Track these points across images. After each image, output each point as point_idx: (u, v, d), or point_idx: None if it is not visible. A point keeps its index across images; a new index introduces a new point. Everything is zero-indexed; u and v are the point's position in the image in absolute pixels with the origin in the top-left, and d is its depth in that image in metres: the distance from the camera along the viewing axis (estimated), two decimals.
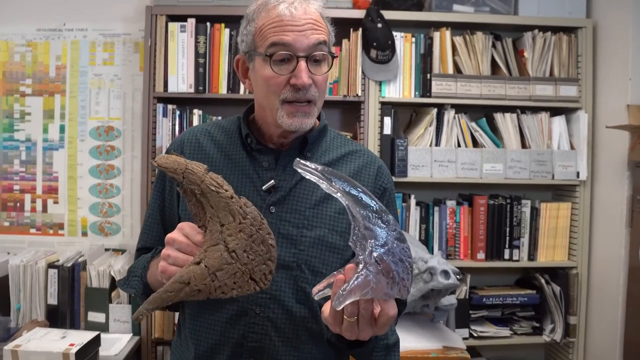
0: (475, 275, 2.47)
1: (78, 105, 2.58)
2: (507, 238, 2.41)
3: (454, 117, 2.42)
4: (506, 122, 2.44)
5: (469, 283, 2.40)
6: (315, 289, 0.84)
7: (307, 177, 0.80)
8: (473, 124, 2.45)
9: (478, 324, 2.41)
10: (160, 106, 2.35)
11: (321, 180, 0.80)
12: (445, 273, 1.72)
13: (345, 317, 0.82)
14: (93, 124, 2.58)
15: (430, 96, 2.39)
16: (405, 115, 2.61)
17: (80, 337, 1.90)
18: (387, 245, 0.79)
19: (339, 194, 0.80)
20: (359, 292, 0.77)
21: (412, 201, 2.43)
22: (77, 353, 1.79)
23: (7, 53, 2.58)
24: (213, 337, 1.07)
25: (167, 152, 1.15)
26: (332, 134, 1.19)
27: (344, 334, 0.84)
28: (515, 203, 2.42)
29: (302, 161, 0.81)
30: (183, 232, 0.88)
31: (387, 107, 2.39)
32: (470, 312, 2.40)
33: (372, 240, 0.79)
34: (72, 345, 1.83)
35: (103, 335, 2.02)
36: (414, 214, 2.43)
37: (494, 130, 2.44)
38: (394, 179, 2.37)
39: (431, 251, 2.42)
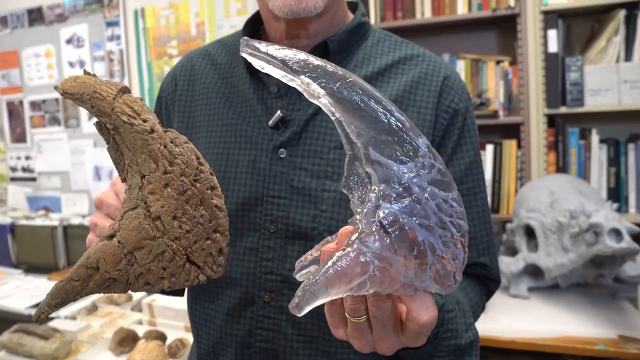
0: None
1: None
2: None
3: None
4: None
5: None
6: (297, 265, 0.51)
7: (265, 70, 0.45)
8: None
9: None
10: None
11: (286, 75, 0.44)
12: (616, 233, 1.20)
13: (347, 315, 0.49)
14: None
15: None
16: (583, 28, 2.01)
17: None
18: (411, 195, 0.42)
19: (322, 99, 0.43)
20: (344, 286, 0.41)
21: (594, 138, 1.88)
22: None
23: (154, 19, 2.66)
24: (213, 333, 0.79)
25: (162, 83, 0.91)
26: (377, 35, 0.82)
27: (351, 341, 0.51)
28: None
29: (249, 40, 0.45)
30: (115, 190, 0.63)
31: (552, 18, 1.86)
32: None
33: (381, 186, 0.43)
34: None
35: None
36: (598, 154, 1.88)
37: None
38: (564, 109, 1.86)
39: (624, 203, 1.86)
